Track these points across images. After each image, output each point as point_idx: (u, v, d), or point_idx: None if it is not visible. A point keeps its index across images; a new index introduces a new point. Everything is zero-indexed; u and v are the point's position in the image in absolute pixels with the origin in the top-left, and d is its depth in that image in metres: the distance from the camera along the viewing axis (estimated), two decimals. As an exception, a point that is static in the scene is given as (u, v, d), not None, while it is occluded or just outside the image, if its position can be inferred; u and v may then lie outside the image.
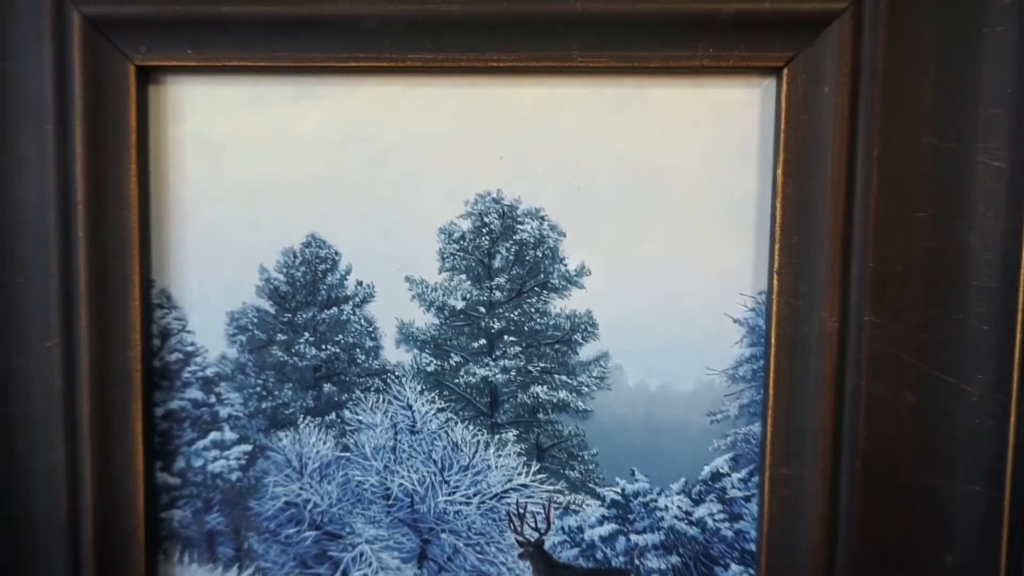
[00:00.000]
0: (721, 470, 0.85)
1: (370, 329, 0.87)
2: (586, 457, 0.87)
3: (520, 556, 0.88)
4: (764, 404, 0.81)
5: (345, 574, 0.88)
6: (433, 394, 0.87)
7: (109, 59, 0.80)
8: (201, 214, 0.85)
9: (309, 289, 0.87)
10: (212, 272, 0.86)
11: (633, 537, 0.87)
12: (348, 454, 0.88)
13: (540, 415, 0.87)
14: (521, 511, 0.87)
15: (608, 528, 0.87)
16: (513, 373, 0.87)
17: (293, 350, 0.88)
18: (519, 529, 0.87)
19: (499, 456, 0.87)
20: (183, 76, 0.83)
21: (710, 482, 0.85)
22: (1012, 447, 0.76)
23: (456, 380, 0.87)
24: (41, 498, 0.85)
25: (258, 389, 0.88)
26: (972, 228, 0.75)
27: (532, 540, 0.87)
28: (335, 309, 0.87)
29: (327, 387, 0.88)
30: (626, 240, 0.83)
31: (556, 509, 0.87)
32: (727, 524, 0.86)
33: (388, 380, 0.87)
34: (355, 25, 0.77)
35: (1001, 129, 0.74)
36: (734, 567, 0.86)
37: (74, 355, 0.82)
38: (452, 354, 0.87)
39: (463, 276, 0.86)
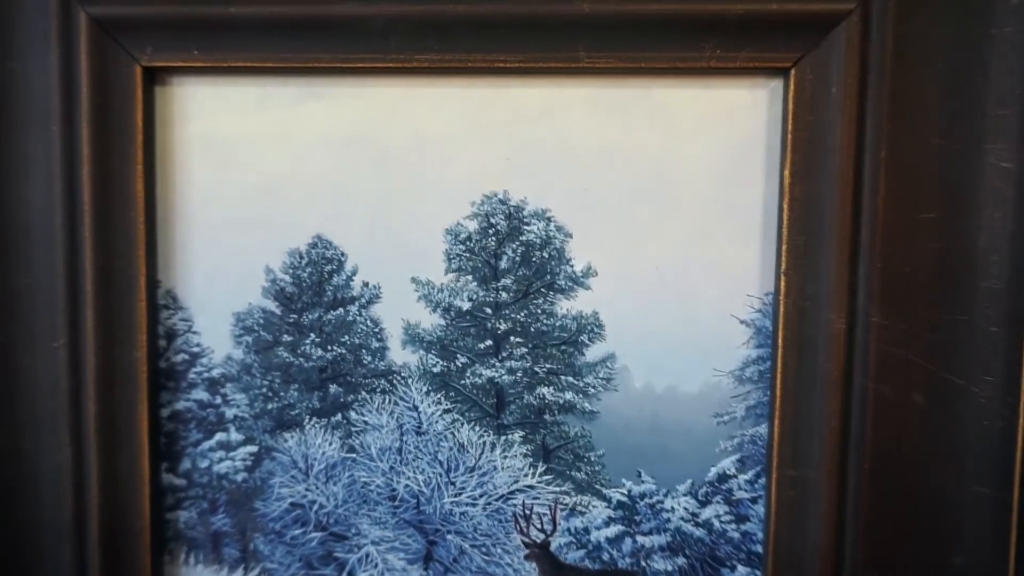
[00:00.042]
0: (728, 471, 0.85)
1: (376, 330, 0.87)
2: (592, 458, 0.86)
3: (526, 557, 0.87)
4: (771, 405, 0.81)
5: (351, 575, 0.88)
6: (439, 395, 0.87)
7: (116, 60, 0.80)
8: (207, 215, 0.85)
9: (315, 290, 0.87)
10: (218, 273, 0.86)
11: (639, 538, 0.87)
12: (354, 455, 0.88)
13: (546, 416, 0.87)
14: (527, 512, 0.87)
15: (614, 529, 0.87)
16: (519, 374, 0.86)
17: (299, 351, 0.88)
18: (525, 530, 0.87)
19: (505, 457, 0.87)
20: (189, 77, 0.83)
21: (717, 483, 0.85)
22: (1021, 448, 0.76)
23: (462, 381, 0.87)
24: (47, 499, 0.85)
25: (264, 390, 0.88)
26: (980, 229, 0.75)
27: (538, 541, 0.87)
28: (341, 310, 0.87)
29: (333, 388, 0.88)
30: (632, 241, 0.83)
31: (562, 510, 0.87)
32: (734, 525, 0.86)
33: (394, 381, 0.87)
34: (361, 26, 0.77)
35: (1009, 130, 0.73)
36: (741, 569, 0.86)
37: (80, 356, 0.82)
38: (458, 355, 0.87)
39: (469, 277, 0.86)
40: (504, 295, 0.86)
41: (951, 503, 0.78)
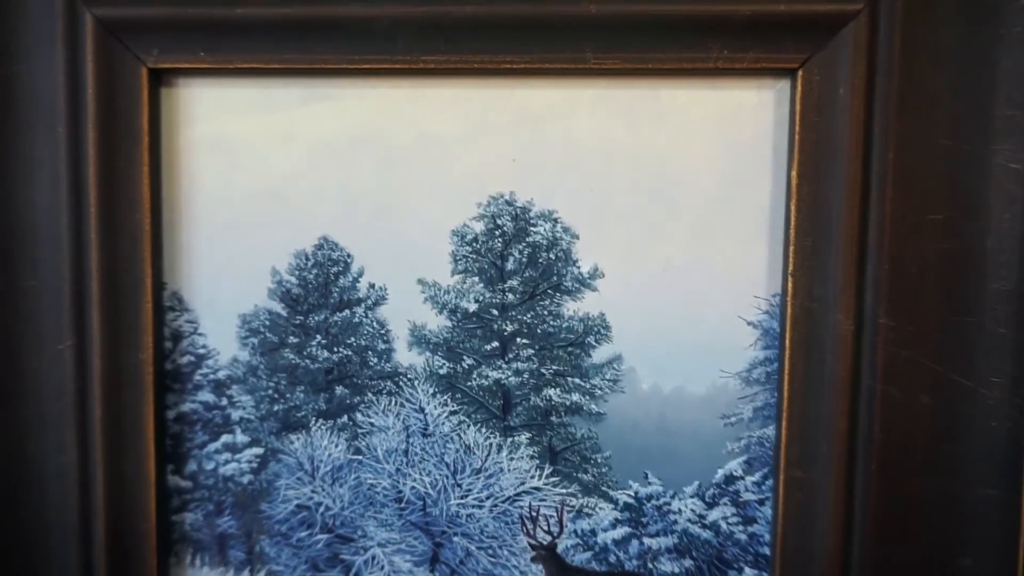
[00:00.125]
0: (735, 473, 0.85)
1: (382, 332, 0.87)
2: (599, 460, 0.86)
3: (533, 559, 0.87)
4: (778, 407, 0.81)
5: (357, 577, 0.88)
6: (445, 397, 0.87)
7: (121, 62, 0.80)
8: (213, 216, 0.85)
9: (321, 291, 0.87)
10: (224, 275, 0.86)
11: (646, 540, 0.87)
12: (360, 457, 0.88)
13: (553, 418, 0.87)
14: (534, 514, 0.87)
15: (621, 531, 0.87)
16: (526, 376, 0.86)
17: (305, 353, 0.88)
18: (532, 532, 0.87)
19: (512, 459, 0.87)
20: (195, 78, 0.83)
21: (724, 485, 0.85)
22: (1029, 450, 0.76)
23: (469, 383, 0.87)
24: (53, 500, 0.85)
25: (270, 392, 0.88)
26: (988, 230, 0.75)
27: (545, 543, 0.87)
28: (347, 312, 0.87)
29: (339, 390, 0.88)
30: (639, 242, 0.82)
31: (569, 512, 0.87)
32: (741, 527, 0.85)
33: (400, 383, 0.87)
34: (367, 27, 0.77)
35: (1017, 131, 0.73)
36: (748, 570, 0.85)
37: (86, 358, 0.82)
38: (465, 357, 0.87)
39: (476, 278, 0.85)
40: (510, 296, 0.86)
41: (959, 505, 0.78)
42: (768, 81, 0.79)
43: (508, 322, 0.86)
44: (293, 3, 0.77)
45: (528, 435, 0.87)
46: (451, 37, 0.77)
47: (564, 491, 0.87)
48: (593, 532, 0.87)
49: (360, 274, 0.86)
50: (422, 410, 0.87)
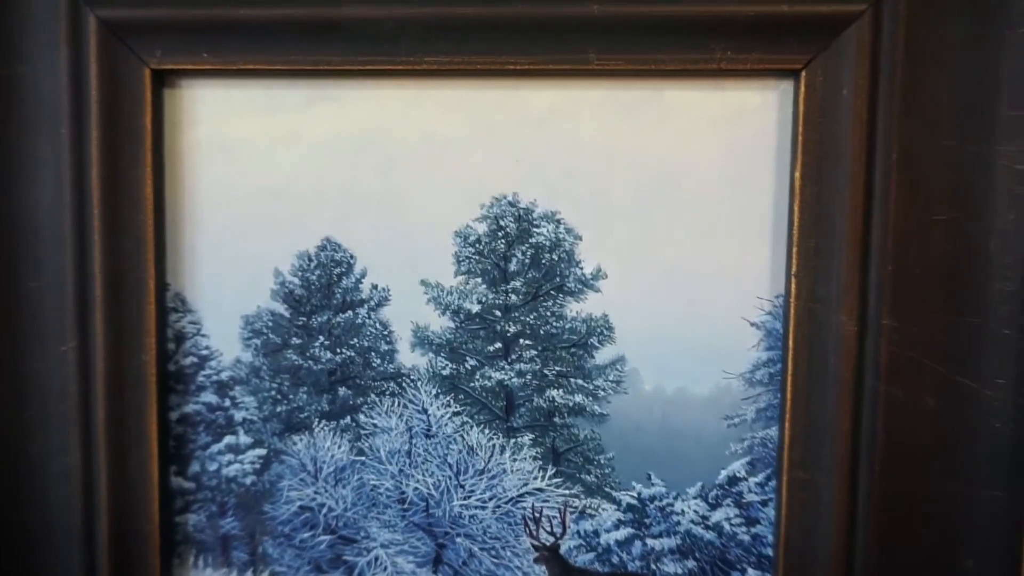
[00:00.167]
0: (738, 474, 0.84)
1: (385, 333, 0.87)
2: (602, 461, 0.86)
3: (536, 560, 0.87)
4: (781, 408, 0.81)
5: (360, 578, 0.88)
6: (448, 398, 0.87)
7: (125, 63, 0.80)
8: (216, 217, 0.85)
9: (324, 293, 0.87)
10: (227, 276, 0.86)
11: (649, 541, 0.87)
12: (363, 458, 0.88)
13: (556, 419, 0.87)
14: (537, 515, 0.87)
15: (624, 532, 0.87)
16: (529, 377, 0.86)
17: (308, 354, 0.88)
18: (535, 533, 0.87)
19: (515, 460, 0.87)
20: (198, 79, 0.83)
21: (727, 486, 0.85)
22: (1033, 451, 0.76)
23: (471, 384, 0.87)
24: (56, 502, 0.85)
25: (273, 393, 0.88)
26: (992, 231, 0.75)
27: (548, 544, 0.87)
28: (350, 313, 0.87)
29: (342, 391, 0.88)
30: (642, 243, 0.82)
31: (572, 513, 0.87)
32: (744, 528, 0.85)
33: (403, 384, 0.87)
34: (371, 28, 0.77)
35: (1022, 132, 0.73)
36: (751, 572, 0.85)
37: (89, 359, 0.82)
38: (467, 358, 0.87)
39: (479, 280, 0.85)
40: (513, 298, 0.86)
41: (962, 506, 0.78)
42: (771, 82, 0.79)
43: (511, 323, 0.86)
44: (296, 4, 0.77)
45: (531, 436, 0.87)
46: (455, 38, 0.77)
47: (567, 492, 0.87)
48: (596, 533, 0.87)
49: (363, 275, 0.86)
50: (425, 411, 0.87)
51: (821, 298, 0.78)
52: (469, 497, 0.87)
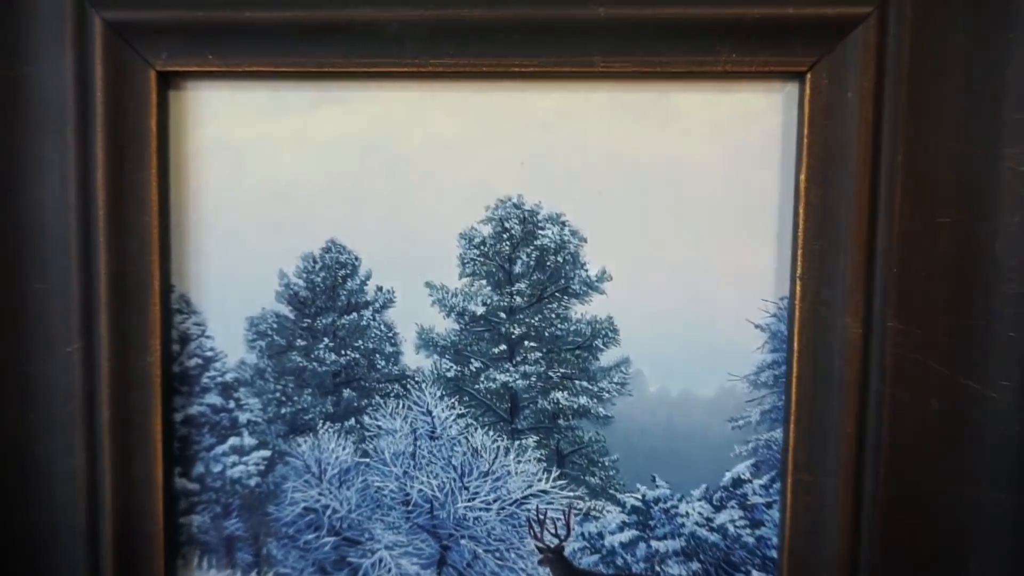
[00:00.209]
0: (742, 476, 0.84)
1: (390, 334, 0.87)
2: (606, 463, 0.86)
3: (540, 562, 0.87)
4: (786, 410, 0.81)
5: (364, 580, 0.88)
6: (453, 400, 0.87)
7: (130, 64, 0.80)
8: (221, 219, 0.85)
9: (329, 294, 0.87)
10: (232, 277, 0.86)
11: (654, 543, 0.87)
12: (367, 460, 0.88)
13: (560, 421, 0.87)
14: (541, 517, 0.87)
15: (628, 534, 0.87)
16: (533, 379, 0.86)
17: (312, 355, 0.88)
18: (539, 535, 0.87)
19: (519, 462, 0.87)
20: (204, 81, 0.83)
21: (731, 488, 0.85)
22: (1039, 454, 0.76)
23: (476, 386, 0.87)
24: (61, 503, 0.85)
25: (277, 394, 0.88)
26: (997, 234, 0.75)
27: (552, 546, 0.87)
28: (355, 314, 0.87)
29: (346, 393, 0.88)
30: (647, 245, 0.82)
31: (576, 515, 0.87)
32: (748, 531, 0.85)
33: (408, 386, 0.87)
34: (377, 30, 0.77)
35: (1027, 134, 0.73)
36: (755, 574, 0.85)
37: (94, 360, 0.82)
38: (472, 360, 0.87)
39: (483, 281, 0.85)
40: (518, 299, 0.86)
41: (968, 509, 0.78)
42: (777, 84, 0.79)
43: (516, 325, 0.86)
44: (302, 6, 0.77)
45: (535, 438, 0.87)
46: (459, 40, 0.77)
47: (571, 494, 0.87)
48: (600, 535, 0.87)
49: (368, 277, 0.86)
50: (429, 413, 0.87)
51: (826, 300, 0.78)
52: (473, 499, 0.87)
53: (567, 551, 0.87)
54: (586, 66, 0.77)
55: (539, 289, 0.85)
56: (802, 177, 0.77)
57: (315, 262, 0.86)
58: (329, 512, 0.88)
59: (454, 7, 0.76)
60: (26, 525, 0.85)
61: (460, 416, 0.87)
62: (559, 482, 0.87)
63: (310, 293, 0.87)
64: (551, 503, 0.87)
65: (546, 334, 0.86)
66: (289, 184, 0.84)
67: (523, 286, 0.85)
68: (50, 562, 0.86)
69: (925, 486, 0.78)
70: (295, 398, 0.88)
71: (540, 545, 0.87)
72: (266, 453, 0.89)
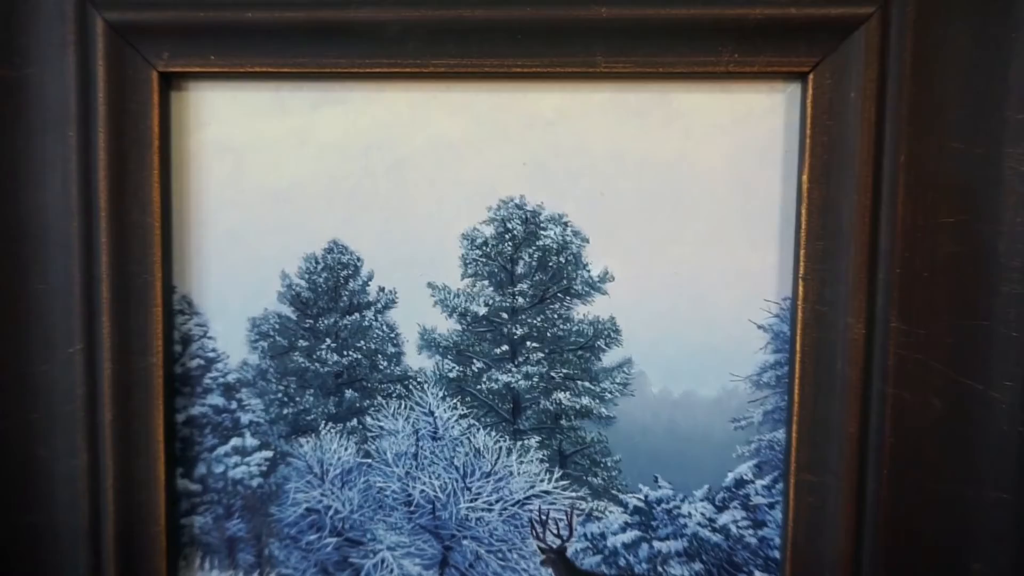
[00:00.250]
0: (745, 477, 0.84)
1: (392, 335, 0.87)
2: (609, 464, 0.86)
3: (542, 563, 0.87)
4: (789, 410, 0.81)
5: (366, 581, 0.88)
6: (455, 400, 0.87)
7: (132, 65, 0.80)
8: (223, 220, 0.85)
9: (331, 295, 0.87)
10: (234, 278, 0.86)
11: (656, 544, 0.87)
12: (370, 460, 0.88)
13: (563, 421, 0.87)
14: (543, 518, 0.87)
15: (631, 535, 0.87)
16: (536, 379, 0.86)
17: (315, 356, 0.88)
18: (541, 536, 0.87)
19: (521, 462, 0.87)
20: (206, 82, 0.83)
21: (734, 489, 0.85)
22: (1041, 454, 0.75)
23: (478, 386, 0.87)
24: (63, 504, 0.85)
25: (279, 395, 0.88)
26: (1000, 234, 0.75)
27: (554, 547, 0.87)
28: (357, 315, 0.87)
29: (349, 393, 0.88)
30: (649, 246, 0.82)
31: (579, 516, 0.87)
32: (751, 531, 0.85)
33: (410, 386, 0.87)
34: (378, 31, 0.77)
35: (1029, 134, 0.73)
36: (758, 574, 0.85)
37: (96, 361, 0.82)
38: (474, 360, 0.87)
39: (486, 282, 0.85)
40: (520, 300, 0.86)
41: (970, 508, 0.78)
42: (779, 84, 0.79)
43: (518, 326, 0.86)
44: (304, 7, 0.77)
45: (538, 439, 0.87)
46: (461, 41, 0.77)
47: (574, 495, 0.87)
48: (603, 535, 0.87)
49: (370, 277, 0.86)
50: (432, 413, 0.87)
51: (829, 301, 0.78)
52: (476, 499, 0.87)
53: (569, 552, 0.87)
54: (588, 66, 0.77)
55: (541, 289, 0.85)
56: (804, 177, 0.77)
57: (317, 263, 0.86)
58: (331, 513, 0.88)
59: (456, 8, 0.76)
60: (28, 526, 0.85)
61: (462, 417, 0.87)
62: (561, 483, 0.87)
63: (312, 294, 0.87)
64: (553, 504, 0.87)
65: (548, 334, 0.86)
66: (291, 185, 0.84)
67: (525, 286, 0.85)
68: (52, 562, 0.86)
69: (927, 486, 0.78)
70: (297, 399, 0.88)
71: (542, 546, 0.87)
72: (268, 454, 0.89)
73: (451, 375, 0.86)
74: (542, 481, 0.87)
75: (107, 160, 0.80)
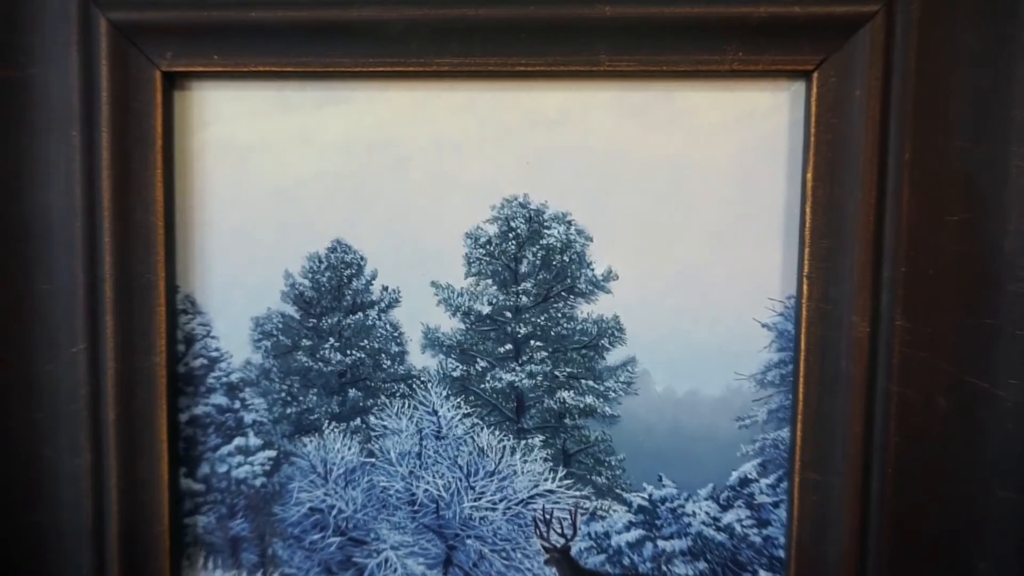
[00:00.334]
0: (749, 475, 0.84)
1: (395, 334, 0.87)
2: (613, 463, 0.86)
3: (546, 562, 0.87)
4: (793, 409, 0.81)
5: (370, 580, 0.88)
6: (459, 399, 0.87)
7: (135, 65, 0.80)
8: (226, 219, 0.85)
9: (334, 294, 0.87)
10: (237, 277, 0.86)
11: (660, 543, 0.86)
12: (373, 460, 0.88)
13: (567, 420, 0.86)
14: (547, 517, 0.87)
15: (635, 534, 0.86)
16: (539, 378, 0.86)
17: (318, 355, 0.88)
18: (545, 535, 0.87)
19: (525, 462, 0.87)
20: (209, 81, 0.83)
21: (738, 488, 0.85)
22: (1047, 453, 0.75)
23: (482, 385, 0.87)
24: (67, 503, 0.85)
25: (283, 395, 0.88)
26: (1005, 232, 0.74)
27: (558, 546, 0.87)
28: (360, 314, 0.87)
29: (352, 392, 0.88)
30: (653, 244, 0.82)
31: (582, 515, 0.87)
32: (755, 530, 0.85)
33: (413, 385, 0.87)
34: (382, 30, 0.77)
35: (1035, 132, 0.73)
36: (762, 573, 0.85)
37: (99, 361, 0.82)
38: (478, 359, 0.87)
39: (489, 281, 0.85)
40: (524, 299, 0.86)
41: (976, 508, 0.78)
42: (783, 83, 0.79)
43: (522, 324, 0.86)
44: (307, 6, 0.77)
45: (542, 437, 0.87)
46: (465, 40, 0.77)
47: (578, 493, 0.87)
48: (607, 534, 0.87)
49: (373, 277, 0.86)
50: (435, 413, 0.87)
51: (833, 299, 0.78)
52: (480, 499, 0.87)
53: (574, 551, 0.87)
54: (592, 65, 0.77)
55: (545, 288, 0.85)
56: (809, 176, 0.77)
57: (320, 262, 0.86)
58: (335, 512, 0.88)
59: (459, 7, 0.76)
60: (32, 525, 0.85)
61: (466, 416, 0.87)
62: (565, 481, 0.86)
63: (316, 293, 0.87)
64: (557, 503, 0.87)
65: (552, 333, 0.86)
66: (294, 184, 0.84)
67: (529, 285, 0.85)
68: (55, 562, 0.86)
69: (933, 485, 0.78)
70: (300, 398, 0.88)
71: (546, 545, 0.87)
72: (271, 453, 0.89)
73: (455, 374, 0.86)
74: (546, 480, 0.87)
75: (111, 160, 0.80)
